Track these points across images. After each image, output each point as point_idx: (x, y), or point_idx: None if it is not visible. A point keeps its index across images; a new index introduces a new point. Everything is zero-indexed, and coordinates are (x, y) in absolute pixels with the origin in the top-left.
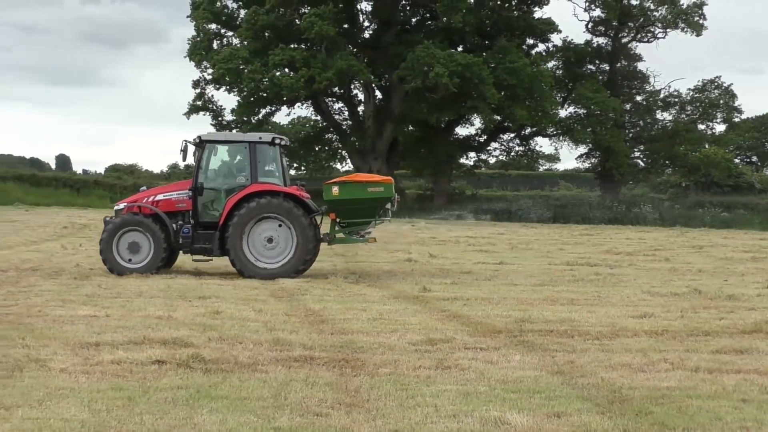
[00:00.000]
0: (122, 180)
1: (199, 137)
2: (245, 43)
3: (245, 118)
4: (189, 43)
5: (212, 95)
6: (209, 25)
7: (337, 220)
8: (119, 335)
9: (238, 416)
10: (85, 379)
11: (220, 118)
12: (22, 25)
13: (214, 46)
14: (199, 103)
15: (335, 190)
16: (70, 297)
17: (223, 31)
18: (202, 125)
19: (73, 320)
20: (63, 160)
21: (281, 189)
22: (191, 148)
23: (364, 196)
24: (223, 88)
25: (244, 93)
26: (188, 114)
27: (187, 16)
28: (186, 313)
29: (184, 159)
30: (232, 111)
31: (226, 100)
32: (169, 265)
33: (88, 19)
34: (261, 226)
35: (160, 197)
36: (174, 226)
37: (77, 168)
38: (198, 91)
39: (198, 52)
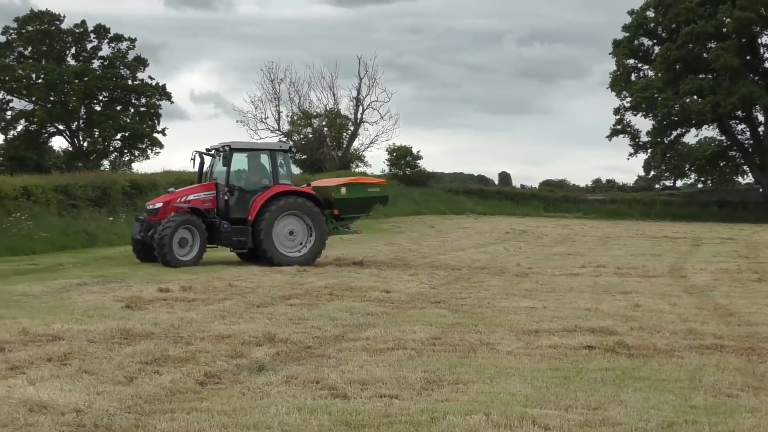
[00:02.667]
0: (554, 193)
1: (228, 146)
2: (659, 74)
3: (658, 139)
4: (610, 76)
5: (629, 120)
6: (628, 60)
7: (337, 215)
8: (555, 324)
9: (659, 395)
10: (527, 360)
11: (636, 140)
12: (470, 64)
13: (632, 77)
14: (618, 127)
15: (344, 190)
16: (513, 291)
17: (639, 64)
18: (622, 147)
19: (515, 311)
20: (504, 177)
21: (300, 189)
22: (207, 159)
23: (365, 195)
24: (640, 113)
25: (658, 117)
26: (610, 137)
27: (609, 53)
28: (610, 305)
29: (195, 167)
30: (647, 133)
31: (642, 124)
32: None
33: (523, 59)
34: (284, 220)
35: (191, 197)
36: (216, 222)
37: (516, 183)
38: (618, 117)
39: (618, 83)
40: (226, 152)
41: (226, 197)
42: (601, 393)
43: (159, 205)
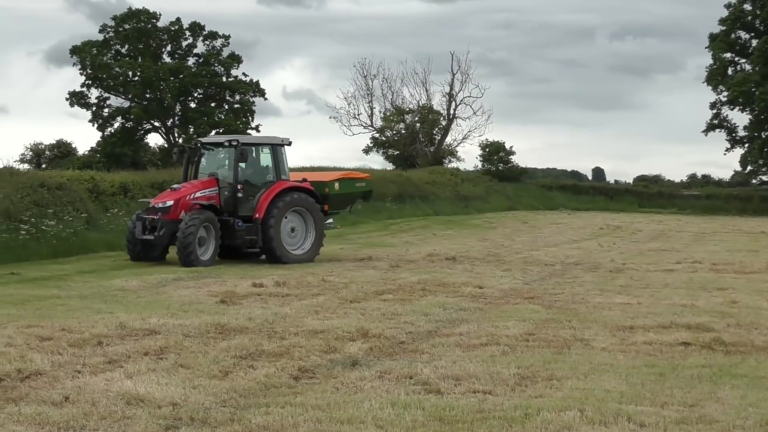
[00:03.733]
0: (648, 188)
1: (238, 140)
2: (757, 68)
3: (756, 134)
4: (706, 70)
5: (726, 115)
6: (724, 54)
7: (326, 210)
8: (650, 320)
9: (757, 393)
10: (622, 356)
11: (733, 135)
12: (563, 60)
13: (729, 71)
14: (715, 121)
15: (337, 185)
16: (607, 287)
17: (736, 58)
18: (718, 142)
19: (610, 307)
20: (598, 172)
21: (301, 185)
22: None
23: (353, 190)
24: (737, 108)
25: (756, 112)
26: (705, 131)
27: (705, 47)
28: (707, 302)
29: (180, 162)
30: (745, 128)
31: (739, 118)
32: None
33: (615, 54)
34: (287, 217)
35: (198, 194)
36: (231, 220)
37: (610, 178)
38: (714, 111)
39: (714, 77)
40: (242, 147)
41: (239, 194)
42: (697, 390)
43: (170, 202)
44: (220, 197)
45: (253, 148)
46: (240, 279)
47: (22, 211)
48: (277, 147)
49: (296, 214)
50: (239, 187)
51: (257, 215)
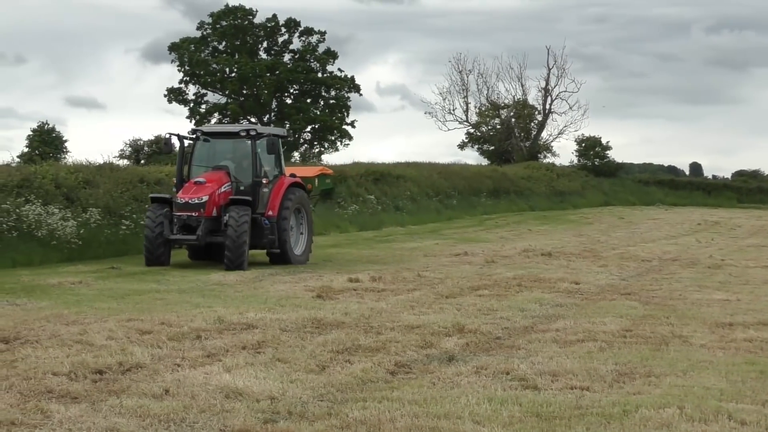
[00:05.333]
0: (747, 183)
1: (255, 130)
2: None
3: None
4: None
5: None
6: None
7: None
8: (749, 317)
9: None
10: (721, 353)
11: None
12: (657, 54)
13: None
14: None
15: (327, 180)
16: (705, 283)
17: None
18: None
19: (708, 303)
20: (695, 167)
21: (299, 181)
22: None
23: (325, 187)
24: None
25: None
26: None
27: None
28: None
29: (172, 151)
30: None
31: None
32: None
33: (712, 47)
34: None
35: (222, 190)
36: (258, 218)
37: (707, 173)
38: None
39: None
40: (273, 138)
41: (265, 189)
42: None
43: (205, 197)
44: (234, 192)
45: (259, 141)
46: (336, 274)
47: (122, 207)
48: (279, 139)
49: (298, 213)
50: (265, 182)
51: (270, 212)
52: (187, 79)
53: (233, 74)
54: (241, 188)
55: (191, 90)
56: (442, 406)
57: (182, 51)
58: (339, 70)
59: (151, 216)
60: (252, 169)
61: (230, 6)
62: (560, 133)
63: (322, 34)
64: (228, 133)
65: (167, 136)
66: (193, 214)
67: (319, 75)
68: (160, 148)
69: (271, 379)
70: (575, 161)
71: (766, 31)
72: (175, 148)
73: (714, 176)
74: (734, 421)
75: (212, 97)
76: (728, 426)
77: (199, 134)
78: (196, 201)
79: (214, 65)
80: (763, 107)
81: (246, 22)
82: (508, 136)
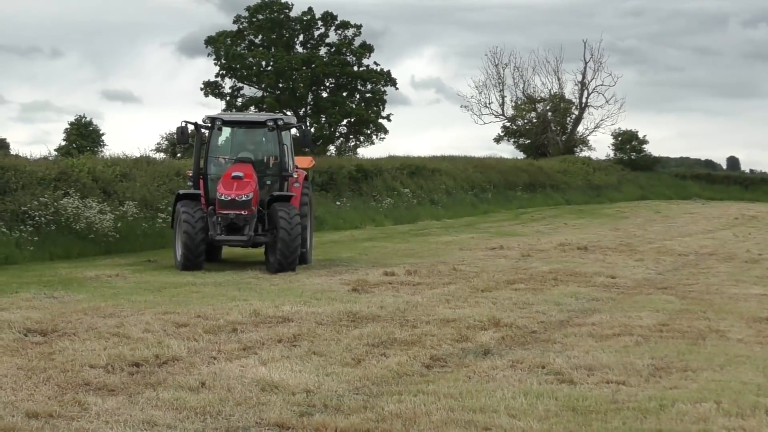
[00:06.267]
0: None
1: (281, 119)
2: None
3: None
4: None
5: None
6: None
7: None
8: None
9: None
10: (759, 348)
11: None
12: (694, 47)
13: None
14: None
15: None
16: (743, 278)
17: None
18: None
19: (746, 298)
20: (733, 161)
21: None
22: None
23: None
24: None
25: None
26: None
27: None
28: None
29: (185, 142)
30: None
31: None
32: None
33: (749, 41)
34: None
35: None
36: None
37: (745, 168)
38: None
39: None
40: (305, 129)
41: (297, 183)
42: None
43: (251, 194)
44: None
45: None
46: (371, 267)
47: (159, 200)
48: (290, 128)
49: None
50: (296, 176)
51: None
52: (224, 72)
53: (269, 68)
54: (267, 183)
55: (227, 84)
56: (477, 400)
57: (218, 45)
58: (375, 63)
59: (189, 213)
60: (280, 162)
61: (267, 0)
62: (596, 126)
63: (358, 27)
64: (251, 122)
65: (183, 124)
66: (242, 212)
67: (355, 68)
68: (176, 138)
69: (306, 372)
70: (611, 155)
71: None
72: (192, 138)
73: (751, 170)
74: None
75: (248, 91)
76: (765, 421)
77: (218, 123)
78: (244, 198)
79: (251, 59)
80: None
81: (282, 16)
82: (544, 129)
